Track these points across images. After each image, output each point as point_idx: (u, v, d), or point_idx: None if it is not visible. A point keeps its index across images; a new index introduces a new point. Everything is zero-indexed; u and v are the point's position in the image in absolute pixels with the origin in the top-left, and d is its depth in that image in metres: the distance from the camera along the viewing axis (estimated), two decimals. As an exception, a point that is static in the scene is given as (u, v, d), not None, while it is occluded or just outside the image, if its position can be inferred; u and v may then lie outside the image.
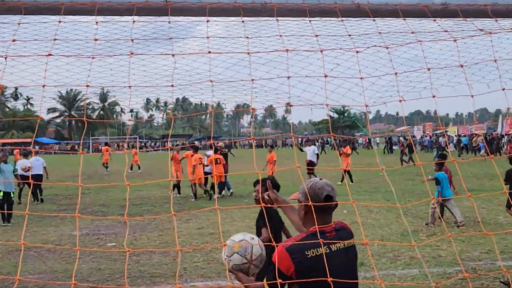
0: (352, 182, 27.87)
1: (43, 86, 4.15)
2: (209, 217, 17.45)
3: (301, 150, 32.00)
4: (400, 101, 4.37)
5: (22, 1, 4.28)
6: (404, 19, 4.60)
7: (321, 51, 4.40)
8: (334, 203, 4.05)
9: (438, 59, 4.89)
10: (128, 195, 25.15)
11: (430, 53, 4.71)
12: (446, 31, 4.69)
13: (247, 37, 4.48)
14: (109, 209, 21.21)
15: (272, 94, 4.87)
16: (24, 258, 12.75)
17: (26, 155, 24.53)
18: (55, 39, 4.30)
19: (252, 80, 4.25)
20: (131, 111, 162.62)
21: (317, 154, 29.63)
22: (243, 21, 4.52)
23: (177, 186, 25.04)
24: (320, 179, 4.16)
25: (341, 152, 29.69)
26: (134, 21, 4.43)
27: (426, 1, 4.67)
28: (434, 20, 4.65)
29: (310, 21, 4.54)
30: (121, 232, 15.94)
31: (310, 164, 27.78)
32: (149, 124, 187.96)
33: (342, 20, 4.57)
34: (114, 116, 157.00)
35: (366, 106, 4.36)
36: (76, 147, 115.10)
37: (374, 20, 4.59)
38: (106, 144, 49.08)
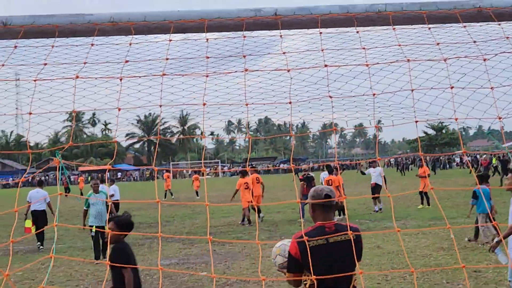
0: (428, 205, 27.16)
1: (160, 106, 4.38)
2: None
3: (363, 173, 31.51)
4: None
5: (131, 20, 4.54)
6: (534, 22, 4.54)
7: (445, 60, 4.41)
8: (333, 199, 5.42)
9: None
10: (214, 222, 25.57)
11: None
12: None
13: (364, 48, 4.56)
14: (196, 236, 21.56)
15: (397, 109, 4.86)
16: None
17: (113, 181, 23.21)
18: (167, 59, 4.54)
19: (374, 94, 4.31)
20: (212, 134, 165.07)
21: (384, 177, 28.98)
22: (357, 32, 4.61)
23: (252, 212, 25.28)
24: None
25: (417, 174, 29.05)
26: (244, 37, 4.61)
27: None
28: None
29: (429, 28, 4.56)
30: (210, 261, 16.19)
31: (375, 187, 27.50)
32: (231, 147, 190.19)
33: (464, 26, 4.57)
34: (194, 140, 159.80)
35: (500, 119, 4.31)
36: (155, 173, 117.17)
37: (499, 25, 4.56)
38: (167, 170, 50.27)
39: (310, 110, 4.95)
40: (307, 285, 5.38)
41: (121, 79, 4.44)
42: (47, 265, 15.80)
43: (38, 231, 19.83)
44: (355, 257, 5.24)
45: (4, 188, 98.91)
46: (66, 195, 31.48)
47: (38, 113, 4.66)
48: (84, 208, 16.93)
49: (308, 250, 5.03)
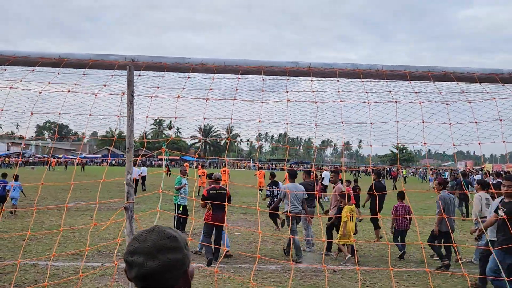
0: None
1: (231, 119, 4.50)
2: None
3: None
4: (479, 143, 4.34)
5: (215, 64, 4.66)
6: (458, 83, 4.56)
7: (420, 103, 4.46)
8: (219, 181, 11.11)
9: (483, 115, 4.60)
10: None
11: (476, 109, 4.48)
12: (487, 92, 4.57)
13: (366, 92, 4.63)
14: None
15: (385, 135, 4.87)
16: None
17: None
18: (236, 89, 4.66)
19: (372, 123, 4.39)
20: (248, 140, 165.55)
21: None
22: (362, 81, 4.67)
23: None
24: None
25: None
26: (288, 79, 4.71)
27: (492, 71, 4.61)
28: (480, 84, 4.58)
29: (410, 82, 4.61)
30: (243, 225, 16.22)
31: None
32: (259, 151, 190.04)
33: (434, 82, 4.61)
34: (235, 144, 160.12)
35: (454, 145, 4.37)
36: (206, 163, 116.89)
37: (458, 84, 4.59)
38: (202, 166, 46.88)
39: (317, 131, 4.89)
40: (208, 208, 10.55)
41: (206, 100, 4.57)
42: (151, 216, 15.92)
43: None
44: (227, 199, 9.84)
45: (110, 166, 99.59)
46: (169, 175, 32.36)
47: (150, 117, 4.80)
48: (177, 186, 14.26)
49: (210, 193, 10.52)
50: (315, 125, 4.49)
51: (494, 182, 13.96)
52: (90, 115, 4.42)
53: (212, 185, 10.92)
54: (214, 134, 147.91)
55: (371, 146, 4.40)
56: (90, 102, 4.41)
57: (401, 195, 12.23)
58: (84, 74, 4.54)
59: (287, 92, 4.65)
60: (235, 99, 4.53)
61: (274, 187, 15.52)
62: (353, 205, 11.81)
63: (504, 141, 4.36)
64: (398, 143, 4.43)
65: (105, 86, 4.50)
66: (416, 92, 4.52)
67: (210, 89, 4.59)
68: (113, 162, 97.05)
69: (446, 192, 11.06)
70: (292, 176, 12.03)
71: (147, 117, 4.49)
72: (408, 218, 11.80)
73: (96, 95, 4.48)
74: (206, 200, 10.52)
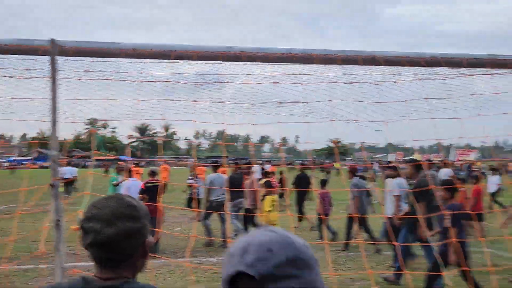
0: None
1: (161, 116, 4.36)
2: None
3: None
4: (409, 118, 4.48)
5: (146, 49, 4.51)
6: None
7: (351, 82, 4.55)
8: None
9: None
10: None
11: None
12: (413, 73, 4.73)
13: (300, 74, 4.66)
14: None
15: (319, 113, 4.87)
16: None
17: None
18: (173, 73, 4.53)
19: (306, 102, 4.41)
20: (186, 138, 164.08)
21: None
22: (296, 65, 4.69)
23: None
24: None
25: None
26: (222, 63, 4.63)
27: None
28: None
29: (342, 66, 4.67)
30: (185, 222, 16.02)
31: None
32: (198, 148, 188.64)
33: (364, 65, 4.69)
34: (172, 142, 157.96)
35: (385, 122, 4.48)
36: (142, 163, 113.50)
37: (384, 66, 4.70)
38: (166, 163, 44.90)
39: (252, 126, 4.81)
40: (145, 200, 10.07)
41: (139, 82, 4.41)
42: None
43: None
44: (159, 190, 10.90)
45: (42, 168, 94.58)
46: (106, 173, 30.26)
47: (79, 98, 4.58)
48: (114, 182, 13.30)
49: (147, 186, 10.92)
50: (251, 104, 4.47)
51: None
52: (12, 98, 4.14)
53: (149, 179, 11.63)
54: (150, 133, 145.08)
55: (307, 123, 4.42)
56: (12, 89, 4.12)
57: (323, 183, 12.98)
58: (6, 58, 4.24)
59: (219, 75, 4.60)
60: (169, 81, 4.41)
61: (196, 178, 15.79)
62: (276, 196, 12.09)
63: (431, 118, 4.54)
64: (333, 120, 4.49)
65: (28, 69, 4.24)
66: (346, 74, 4.60)
67: (141, 73, 4.45)
68: (44, 164, 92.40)
69: (358, 179, 11.81)
70: (216, 167, 13.00)
71: (76, 99, 4.27)
72: (330, 203, 12.66)
73: (18, 78, 4.21)
74: (144, 193, 10.87)
